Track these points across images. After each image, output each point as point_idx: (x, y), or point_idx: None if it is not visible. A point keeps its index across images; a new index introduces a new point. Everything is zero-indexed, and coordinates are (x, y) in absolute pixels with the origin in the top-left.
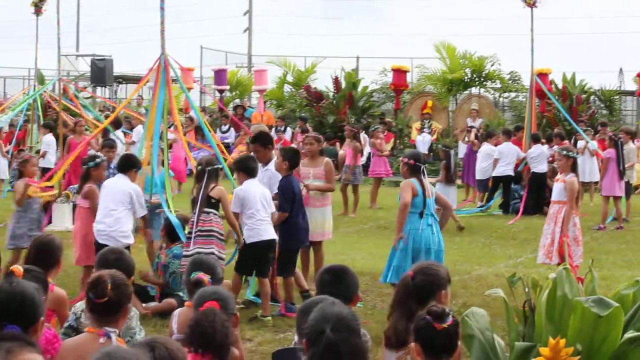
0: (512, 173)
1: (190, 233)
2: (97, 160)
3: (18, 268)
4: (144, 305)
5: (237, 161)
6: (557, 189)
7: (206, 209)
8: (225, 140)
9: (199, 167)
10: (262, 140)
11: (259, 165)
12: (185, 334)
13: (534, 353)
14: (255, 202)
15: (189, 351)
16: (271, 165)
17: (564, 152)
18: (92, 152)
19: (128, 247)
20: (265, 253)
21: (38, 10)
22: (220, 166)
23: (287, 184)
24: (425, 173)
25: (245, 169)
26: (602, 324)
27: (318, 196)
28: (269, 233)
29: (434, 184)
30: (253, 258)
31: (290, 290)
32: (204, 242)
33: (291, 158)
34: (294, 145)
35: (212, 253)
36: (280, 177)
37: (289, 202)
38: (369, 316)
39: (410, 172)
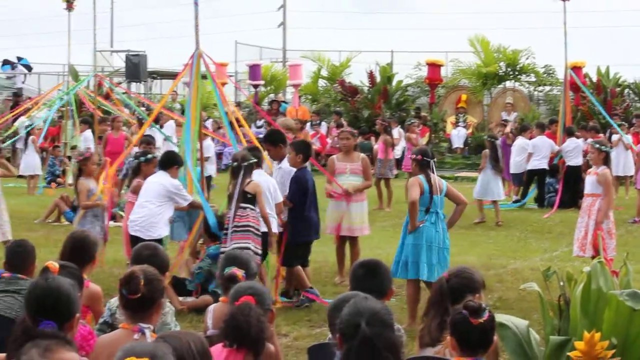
0: (546, 166)
1: (227, 229)
2: (149, 155)
3: (53, 264)
4: (180, 299)
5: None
6: (590, 182)
7: (242, 204)
8: (260, 135)
9: (235, 164)
10: (270, 140)
11: (274, 163)
12: (221, 329)
13: (569, 347)
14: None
15: (224, 346)
16: (284, 164)
17: (596, 145)
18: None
19: (160, 241)
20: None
21: (69, 6)
22: (255, 161)
23: (302, 176)
24: (434, 168)
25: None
26: (637, 318)
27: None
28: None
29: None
30: None
31: (301, 277)
32: (241, 237)
33: (304, 151)
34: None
35: (248, 248)
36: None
37: (301, 194)
38: (404, 310)
39: (419, 168)
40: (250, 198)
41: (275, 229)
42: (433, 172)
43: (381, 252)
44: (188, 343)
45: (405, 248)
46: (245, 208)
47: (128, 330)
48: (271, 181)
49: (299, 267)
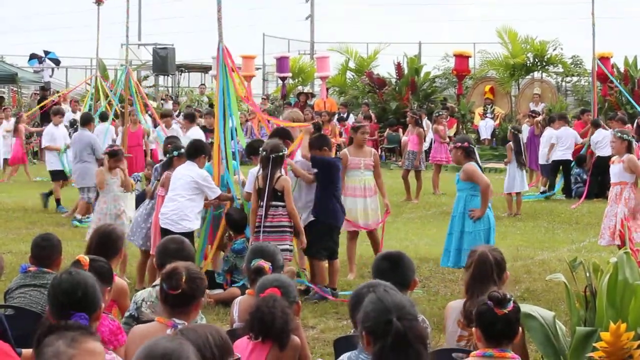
0: (570, 157)
1: (258, 227)
2: (181, 150)
3: (84, 258)
4: (207, 291)
5: (247, 146)
6: (616, 170)
7: (273, 203)
8: None
9: (264, 153)
10: (279, 135)
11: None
12: (246, 321)
13: (595, 338)
14: None
15: (249, 338)
16: (298, 156)
17: (619, 134)
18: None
19: (191, 234)
20: None
21: (99, 0)
22: (285, 153)
23: (330, 160)
24: (478, 156)
25: (255, 151)
26: None
27: (370, 185)
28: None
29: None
30: None
31: (322, 273)
32: (278, 238)
33: (321, 145)
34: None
35: (287, 250)
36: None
37: (323, 174)
38: (431, 302)
39: (465, 155)
40: (280, 195)
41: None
42: (478, 159)
43: (409, 243)
44: (206, 336)
45: (469, 235)
46: (277, 207)
47: (162, 325)
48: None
49: (323, 263)
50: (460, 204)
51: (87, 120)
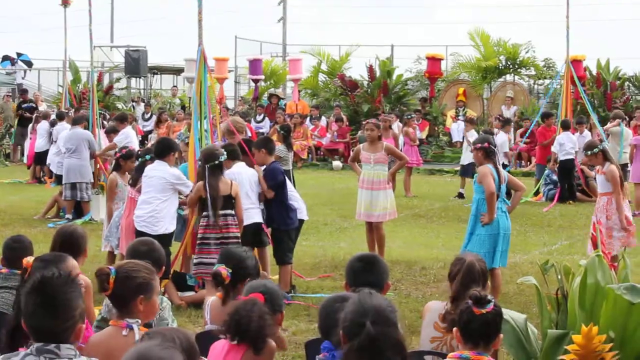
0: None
1: (212, 239)
2: (153, 153)
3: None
4: (179, 294)
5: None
6: (600, 181)
7: (228, 211)
8: (260, 130)
9: (199, 163)
10: (262, 146)
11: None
12: (224, 322)
13: (567, 340)
14: (244, 185)
15: (225, 338)
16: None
17: (589, 152)
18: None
19: (168, 236)
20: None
21: (65, 2)
22: (222, 159)
23: (274, 168)
24: (499, 157)
25: (228, 153)
26: (635, 311)
27: (379, 179)
28: (258, 217)
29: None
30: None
31: (288, 278)
32: None
33: (265, 145)
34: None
35: None
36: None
37: (276, 185)
38: (403, 305)
39: (485, 156)
40: (233, 202)
41: (260, 218)
42: (499, 162)
43: None
44: (173, 339)
45: (478, 238)
46: (227, 215)
47: (117, 327)
48: (253, 173)
49: (289, 267)
50: (473, 206)
51: (79, 120)
